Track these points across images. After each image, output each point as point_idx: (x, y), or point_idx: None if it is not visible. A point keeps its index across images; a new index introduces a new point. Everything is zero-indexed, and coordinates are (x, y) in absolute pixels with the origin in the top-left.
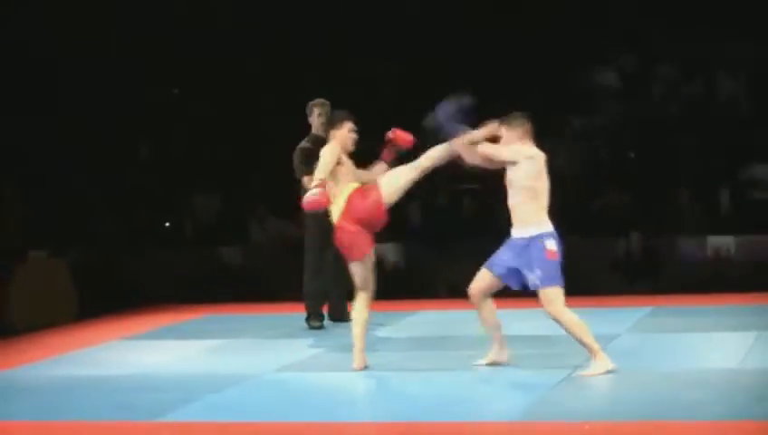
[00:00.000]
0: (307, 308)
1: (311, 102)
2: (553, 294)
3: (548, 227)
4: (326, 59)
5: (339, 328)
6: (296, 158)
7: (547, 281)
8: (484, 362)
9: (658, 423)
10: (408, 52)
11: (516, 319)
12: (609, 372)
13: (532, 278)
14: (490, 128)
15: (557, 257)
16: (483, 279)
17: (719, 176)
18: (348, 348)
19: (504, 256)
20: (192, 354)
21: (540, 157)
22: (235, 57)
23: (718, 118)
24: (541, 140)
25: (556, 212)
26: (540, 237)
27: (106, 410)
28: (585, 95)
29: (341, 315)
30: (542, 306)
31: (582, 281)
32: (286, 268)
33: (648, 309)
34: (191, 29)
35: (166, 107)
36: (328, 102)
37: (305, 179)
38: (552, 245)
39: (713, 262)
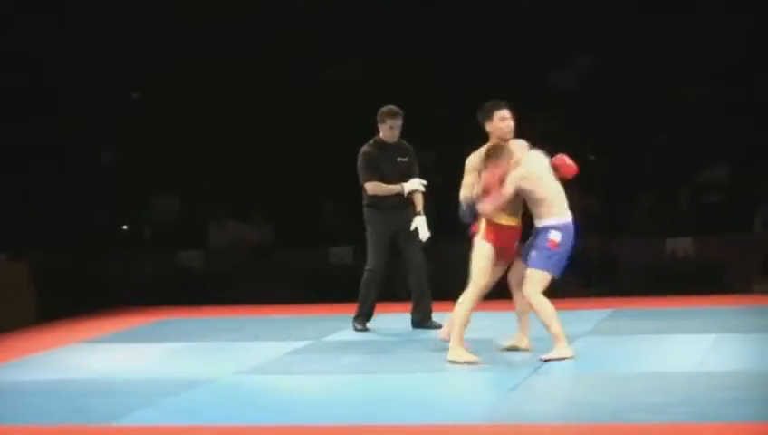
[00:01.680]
0: (360, 308)
1: (382, 109)
2: (537, 277)
3: (559, 219)
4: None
5: (302, 331)
6: (359, 163)
7: (536, 263)
8: (506, 344)
9: (618, 426)
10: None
11: (482, 319)
12: (565, 358)
13: (528, 256)
14: (494, 195)
15: (557, 249)
16: (516, 267)
17: (678, 178)
18: (303, 352)
19: (527, 245)
20: (150, 358)
21: (531, 165)
22: (194, 58)
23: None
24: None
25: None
26: (547, 228)
27: (61, 413)
28: (543, 96)
29: (427, 321)
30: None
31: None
32: (246, 271)
33: (606, 312)
34: (151, 32)
35: (126, 110)
36: (402, 113)
37: (368, 186)
38: (555, 235)
39: (670, 264)
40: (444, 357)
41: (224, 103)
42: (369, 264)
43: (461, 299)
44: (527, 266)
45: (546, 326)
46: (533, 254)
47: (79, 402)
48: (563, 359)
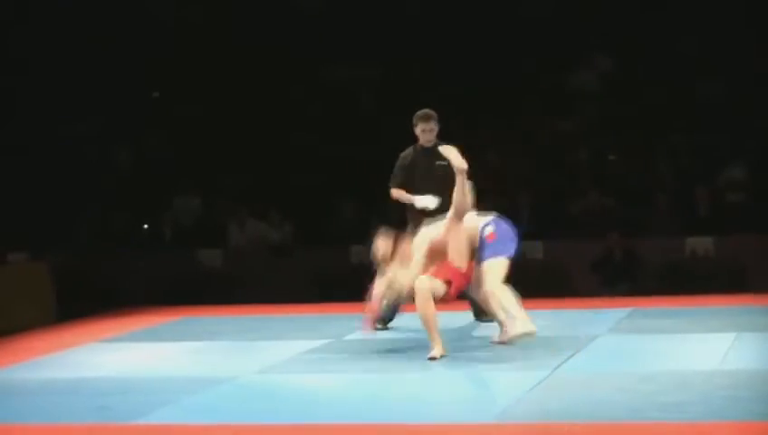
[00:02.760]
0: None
1: (416, 113)
2: (494, 267)
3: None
4: (311, 61)
5: (322, 330)
6: (395, 166)
7: (487, 256)
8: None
9: (637, 425)
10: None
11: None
12: (531, 332)
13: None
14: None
15: (496, 236)
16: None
17: (697, 177)
18: (322, 351)
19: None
20: (170, 356)
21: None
22: (215, 58)
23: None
24: (523, 142)
25: (534, 214)
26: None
27: (84, 412)
28: (564, 97)
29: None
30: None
31: (563, 283)
32: (266, 271)
33: (626, 311)
34: (169, 31)
35: (146, 110)
36: (434, 114)
37: (392, 191)
38: (489, 229)
39: (691, 263)
40: (464, 355)
41: (244, 103)
42: None
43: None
44: (482, 263)
45: (505, 309)
46: (483, 253)
47: (101, 401)
48: (528, 333)
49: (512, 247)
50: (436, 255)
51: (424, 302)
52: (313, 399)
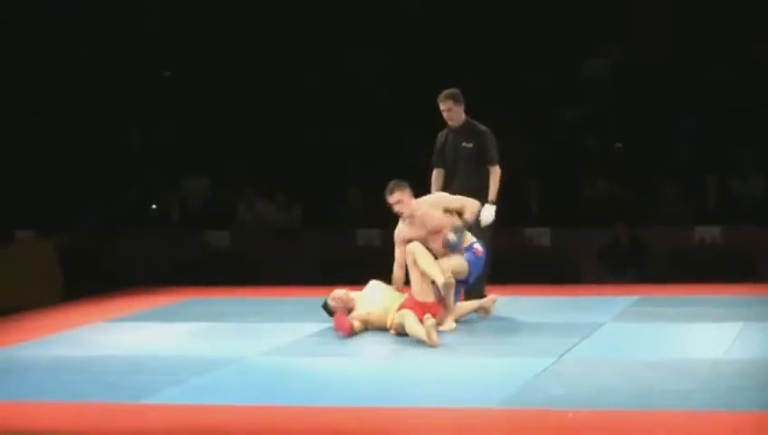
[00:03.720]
0: None
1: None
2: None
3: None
4: (321, 47)
5: (320, 311)
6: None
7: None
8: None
9: (643, 412)
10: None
11: (506, 305)
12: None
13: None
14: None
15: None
16: None
17: (707, 166)
18: (327, 334)
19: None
20: (178, 337)
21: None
22: (225, 42)
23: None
24: (532, 131)
25: (542, 201)
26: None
27: (92, 390)
28: (573, 84)
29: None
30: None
31: (569, 270)
32: (272, 253)
33: (634, 298)
34: (179, 15)
35: (156, 91)
36: (452, 93)
37: (434, 170)
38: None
39: (699, 251)
40: (471, 341)
41: (254, 87)
42: None
43: None
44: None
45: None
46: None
47: (108, 380)
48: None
49: (478, 269)
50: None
51: (414, 325)
52: (319, 381)
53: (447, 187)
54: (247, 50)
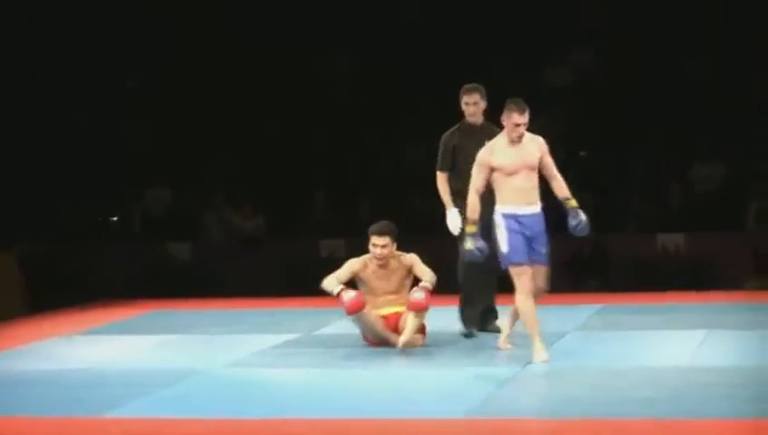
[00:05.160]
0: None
1: (464, 86)
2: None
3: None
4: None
5: (291, 324)
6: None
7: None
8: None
9: (608, 422)
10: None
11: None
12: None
13: (543, 253)
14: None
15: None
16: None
17: (670, 173)
18: (292, 345)
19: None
20: (141, 349)
21: (481, 155)
22: (190, 51)
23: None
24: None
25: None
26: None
27: (55, 404)
28: (536, 94)
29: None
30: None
31: None
32: (236, 264)
33: (597, 307)
34: (142, 20)
35: (119, 99)
36: (480, 87)
37: (438, 179)
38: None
39: (661, 259)
40: (435, 352)
41: (215, 95)
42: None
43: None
44: (542, 264)
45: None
46: (545, 250)
47: (71, 393)
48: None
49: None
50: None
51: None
52: (282, 393)
53: (459, 192)
54: (211, 55)
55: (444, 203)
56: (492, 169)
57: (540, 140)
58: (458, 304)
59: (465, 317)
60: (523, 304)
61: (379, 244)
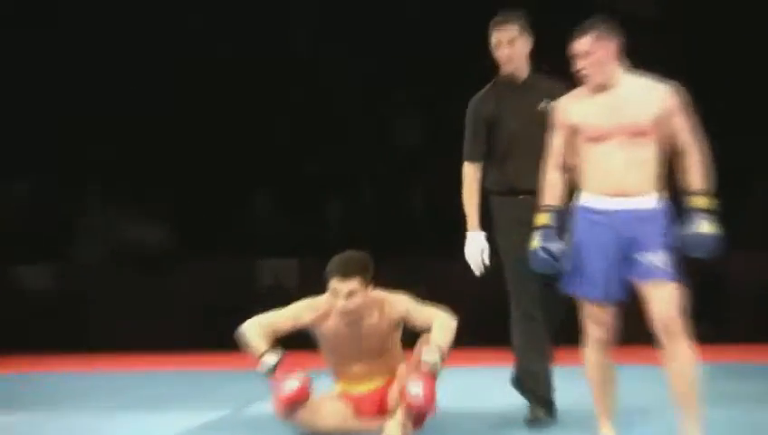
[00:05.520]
0: (525, 381)
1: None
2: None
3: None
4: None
5: (216, 394)
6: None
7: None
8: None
9: None
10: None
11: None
12: None
13: (655, 261)
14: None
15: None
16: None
17: None
18: (219, 428)
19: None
20: None
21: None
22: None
23: None
24: None
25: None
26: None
27: None
28: None
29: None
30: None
31: None
32: (129, 294)
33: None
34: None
35: None
36: (520, 19)
37: (464, 171)
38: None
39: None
40: None
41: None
42: (513, 303)
43: None
44: (656, 280)
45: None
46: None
47: None
48: None
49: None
50: None
51: None
52: None
53: (506, 188)
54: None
55: (468, 217)
56: (572, 131)
57: (664, 88)
58: (512, 367)
59: (527, 391)
60: (587, 361)
61: (344, 290)
